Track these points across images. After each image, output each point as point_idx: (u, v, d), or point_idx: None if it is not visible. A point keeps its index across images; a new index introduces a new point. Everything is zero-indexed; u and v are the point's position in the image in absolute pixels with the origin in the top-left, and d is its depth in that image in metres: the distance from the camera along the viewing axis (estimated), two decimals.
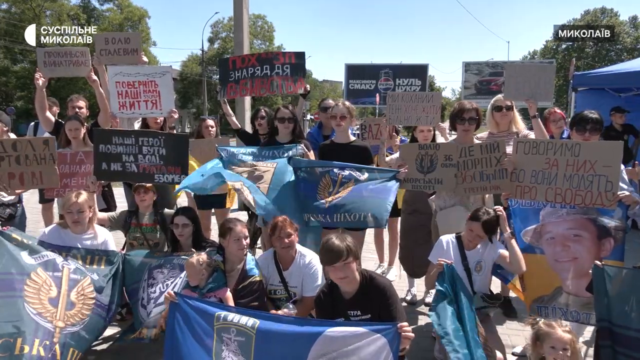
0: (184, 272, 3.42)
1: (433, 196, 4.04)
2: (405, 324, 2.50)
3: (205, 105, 37.75)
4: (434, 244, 3.71)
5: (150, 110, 4.51)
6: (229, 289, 3.27)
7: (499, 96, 4.26)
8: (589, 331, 3.73)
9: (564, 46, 46.69)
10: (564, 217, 3.31)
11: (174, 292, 2.97)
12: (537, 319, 2.73)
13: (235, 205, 7.48)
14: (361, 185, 3.74)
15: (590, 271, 2.96)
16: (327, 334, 2.56)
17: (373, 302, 2.82)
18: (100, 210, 4.32)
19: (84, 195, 3.66)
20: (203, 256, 3.23)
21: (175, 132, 4.84)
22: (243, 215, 6.64)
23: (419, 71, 16.33)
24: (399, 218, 4.99)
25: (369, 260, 5.72)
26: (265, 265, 3.52)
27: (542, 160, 3.36)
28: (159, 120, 4.84)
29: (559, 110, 5.23)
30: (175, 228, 3.74)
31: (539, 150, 3.38)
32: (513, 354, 3.64)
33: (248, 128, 6.31)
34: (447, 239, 3.53)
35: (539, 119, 4.10)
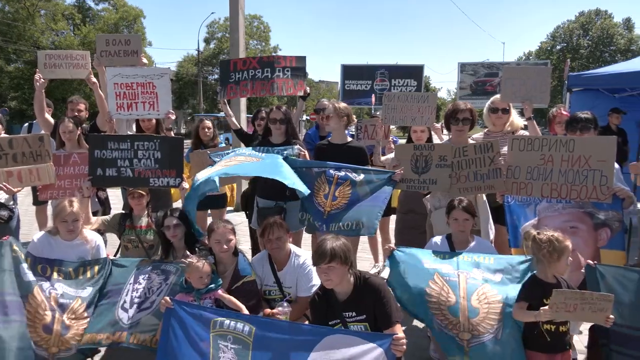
0: (170, 278, 3.39)
1: (428, 196, 4.06)
2: (402, 335, 2.58)
3: (201, 106, 37.66)
4: None
5: (148, 111, 4.53)
6: (222, 289, 3.26)
7: (496, 97, 4.28)
8: (585, 327, 3.75)
9: (558, 47, 46.98)
10: (560, 211, 3.38)
11: (170, 298, 2.96)
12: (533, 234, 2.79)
13: (231, 207, 7.47)
14: (359, 197, 3.79)
15: (583, 270, 2.99)
16: (324, 342, 2.59)
17: (368, 302, 2.83)
18: (94, 213, 4.32)
19: (77, 203, 3.60)
20: (203, 260, 3.20)
21: (172, 133, 4.85)
22: (239, 216, 6.64)
23: (415, 72, 16.38)
24: (391, 217, 4.99)
25: (365, 260, 5.74)
26: (259, 266, 3.52)
27: (537, 156, 3.41)
28: (152, 121, 4.83)
29: (565, 112, 5.13)
30: (166, 230, 3.67)
31: (534, 146, 3.43)
32: None
33: (243, 128, 6.30)
34: (437, 240, 3.55)
35: (534, 121, 4.13)
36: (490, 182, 3.59)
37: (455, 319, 2.86)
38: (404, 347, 2.55)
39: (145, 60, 4.92)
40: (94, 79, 4.69)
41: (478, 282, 2.99)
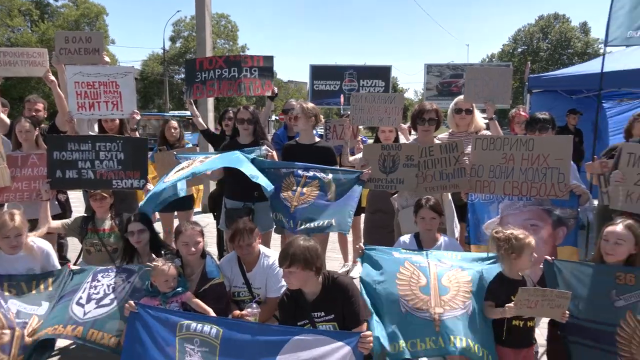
0: (133, 277, 3.29)
1: (395, 195, 4.11)
2: (369, 332, 2.62)
3: (167, 106, 36.90)
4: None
5: (111, 111, 4.42)
6: (189, 292, 3.20)
7: (460, 98, 4.39)
8: (544, 321, 3.89)
9: (520, 50, 48.58)
10: (521, 209, 3.52)
11: (134, 302, 2.89)
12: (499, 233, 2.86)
13: (198, 208, 7.35)
14: (328, 197, 3.79)
15: (542, 265, 3.10)
16: (292, 342, 2.60)
17: (336, 302, 2.85)
18: (55, 216, 4.15)
19: (18, 215, 3.29)
20: (169, 263, 3.13)
21: (137, 134, 4.74)
22: (207, 218, 6.53)
23: (383, 72, 16.59)
24: (361, 216, 5.03)
25: (334, 260, 5.76)
26: (228, 267, 3.48)
27: (499, 155, 3.54)
28: (115, 121, 4.71)
29: (524, 112, 5.32)
30: (130, 236, 3.54)
31: (496, 146, 3.56)
32: None
33: (211, 129, 6.24)
34: (406, 239, 3.61)
35: (496, 121, 4.26)
36: (455, 181, 3.67)
37: (426, 296, 2.88)
38: (371, 344, 2.60)
39: (107, 59, 4.80)
40: (52, 77, 4.54)
41: (447, 267, 3.06)
